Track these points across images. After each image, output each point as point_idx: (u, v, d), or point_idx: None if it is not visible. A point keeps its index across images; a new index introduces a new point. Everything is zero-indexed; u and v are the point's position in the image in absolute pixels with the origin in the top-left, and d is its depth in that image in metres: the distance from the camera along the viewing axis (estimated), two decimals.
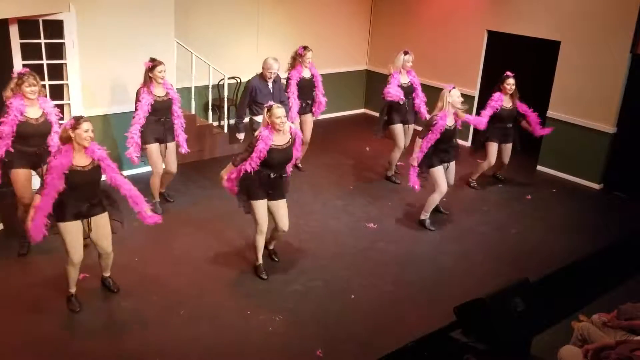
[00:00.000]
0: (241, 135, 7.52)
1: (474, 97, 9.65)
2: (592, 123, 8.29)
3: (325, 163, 8.79)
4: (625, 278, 5.97)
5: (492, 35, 9.34)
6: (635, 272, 6.07)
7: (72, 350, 4.70)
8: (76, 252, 4.92)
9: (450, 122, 6.61)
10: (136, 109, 6.45)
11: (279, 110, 5.37)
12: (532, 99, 7.99)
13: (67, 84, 7.11)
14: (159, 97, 6.51)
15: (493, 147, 7.87)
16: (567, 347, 4.45)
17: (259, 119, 7.19)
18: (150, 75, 6.41)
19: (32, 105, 5.54)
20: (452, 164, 6.91)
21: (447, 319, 4.87)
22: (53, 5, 6.67)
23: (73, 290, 5.18)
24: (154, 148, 6.63)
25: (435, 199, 6.84)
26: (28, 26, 6.66)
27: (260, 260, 5.85)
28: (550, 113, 8.67)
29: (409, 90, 7.88)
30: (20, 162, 5.64)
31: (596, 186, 8.43)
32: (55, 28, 6.84)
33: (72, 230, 4.88)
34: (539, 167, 8.98)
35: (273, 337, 5.00)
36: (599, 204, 8.02)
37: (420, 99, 7.96)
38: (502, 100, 7.66)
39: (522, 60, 8.95)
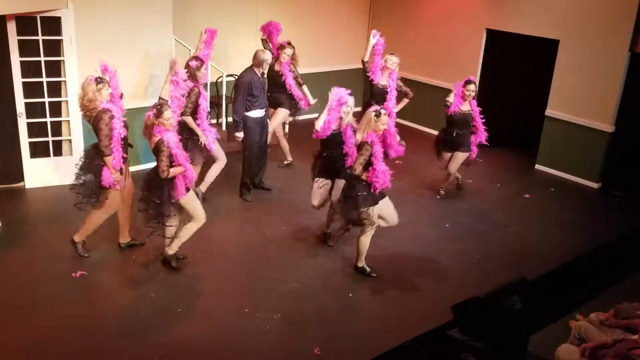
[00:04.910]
0: (240, 134, 7.07)
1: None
2: (590, 122, 8.29)
3: None
4: (623, 277, 5.97)
5: (490, 33, 9.32)
6: (633, 271, 6.07)
7: (69, 348, 4.69)
8: (201, 214, 5.72)
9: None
10: (198, 111, 6.63)
11: (386, 117, 5.43)
12: (531, 97, 7.99)
13: (65, 81, 7.10)
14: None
15: (445, 157, 7.59)
16: (565, 345, 4.46)
17: (252, 114, 7.04)
18: (197, 73, 6.56)
19: None
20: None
21: (445, 318, 4.87)
22: (51, 2, 6.65)
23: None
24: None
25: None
26: (26, 23, 6.65)
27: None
28: (548, 112, 8.66)
29: (381, 93, 7.57)
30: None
31: (594, 185, 8.43)
32: (53, 25, 6.83)
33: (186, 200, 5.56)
34: (537, 166, 8.97)
35: (271, 335, 4.99)
36: (597, 203, 8.02)
37: (390, 104, 7.53)
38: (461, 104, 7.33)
39: (521, 59, 8.95)
